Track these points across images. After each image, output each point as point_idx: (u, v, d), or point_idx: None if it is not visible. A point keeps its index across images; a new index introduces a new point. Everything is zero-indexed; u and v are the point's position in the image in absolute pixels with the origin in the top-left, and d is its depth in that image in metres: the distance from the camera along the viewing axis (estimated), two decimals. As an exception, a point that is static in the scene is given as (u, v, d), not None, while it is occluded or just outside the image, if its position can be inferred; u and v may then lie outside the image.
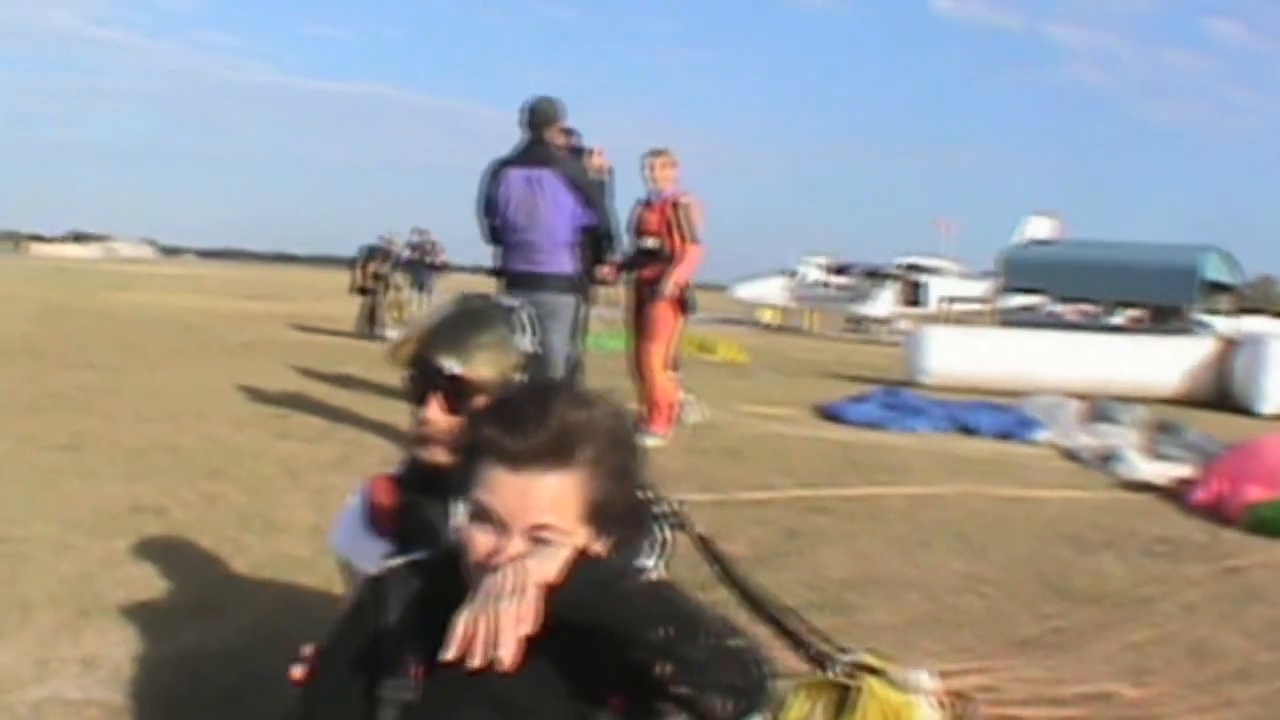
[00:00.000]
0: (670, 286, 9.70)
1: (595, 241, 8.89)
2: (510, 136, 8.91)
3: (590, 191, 8.76)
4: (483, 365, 2.85)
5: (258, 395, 11.32)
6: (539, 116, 8.72)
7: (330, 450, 8.45)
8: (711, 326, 32.21)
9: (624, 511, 2.08)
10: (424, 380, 2.88)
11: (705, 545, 2.98)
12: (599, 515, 2.00)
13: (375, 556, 2.77)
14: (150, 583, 5.04)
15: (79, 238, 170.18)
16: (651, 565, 2.47)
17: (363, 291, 23.97)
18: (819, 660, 3.00)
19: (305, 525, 6.02)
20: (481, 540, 1.95)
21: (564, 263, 8.67)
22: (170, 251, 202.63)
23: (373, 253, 24.40)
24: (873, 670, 3.04)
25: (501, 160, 8.77)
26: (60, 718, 3.65)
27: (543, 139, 8.71)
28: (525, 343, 2.96)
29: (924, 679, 3.08)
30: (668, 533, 2.67)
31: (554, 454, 1.95)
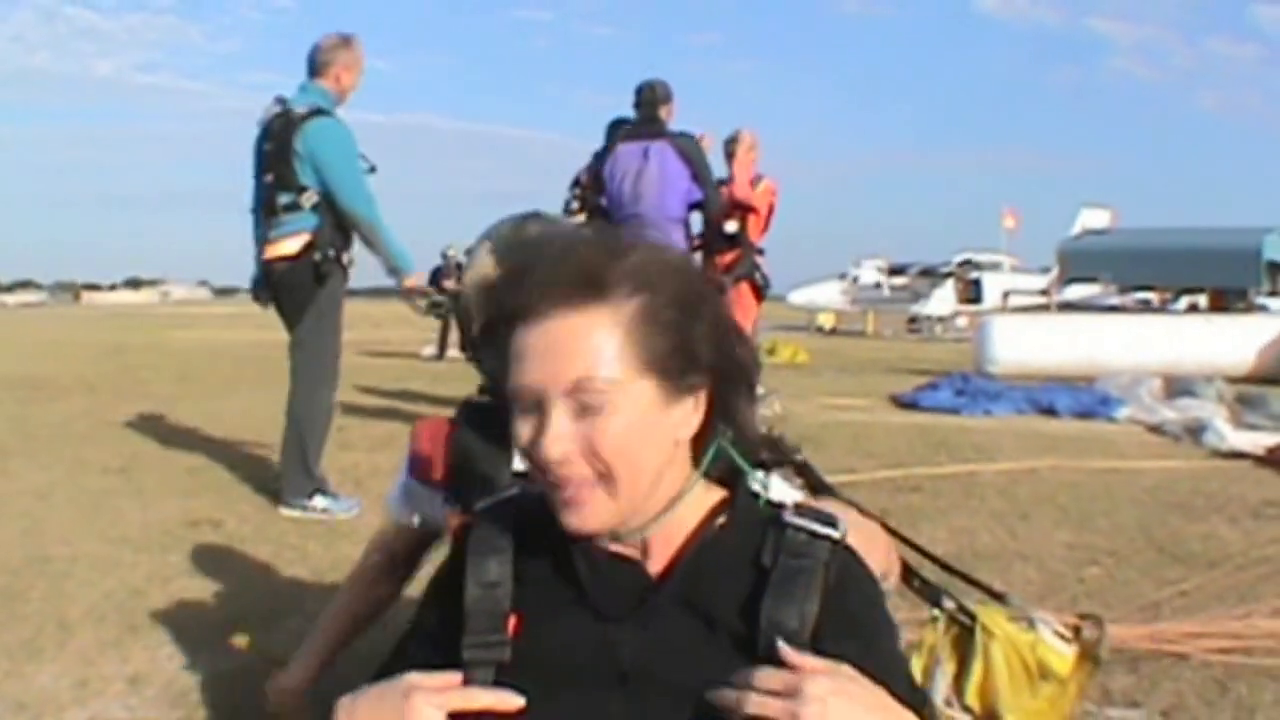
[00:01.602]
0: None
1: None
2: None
3: (702, 168, 8.42)
4: None
5: (318, 413, 11.09)
6: (653, 94, 8.51)
7: (393, 458, 8.11)
8: (770, 333, 31.94)
9: (711, 357, 1.57)
10: None
11: (804, 471, 2.59)
12: (669, 353, 1.53)
13: (427, 509, 2.62)
14: (206, 594, 4.79)
15: (134, 284, 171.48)
16: None
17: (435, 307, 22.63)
18: (932, 597, 2.68)
19: (370, 529, 5.73)
20: (521, 427, 1.55)
21: (676, 240, 8.17)
22: (224, 292, 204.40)
23: (439, 273, 23.21)
24: (996, 595, 2.89)
25: (612, 137, 8.60)
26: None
27: (656, 115, 8.49)
28: None
29: (1045, 614, 2.82)
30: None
31: (575, 289, 1.51)
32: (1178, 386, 12.12)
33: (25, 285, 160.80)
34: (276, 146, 6.54)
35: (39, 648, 4.11)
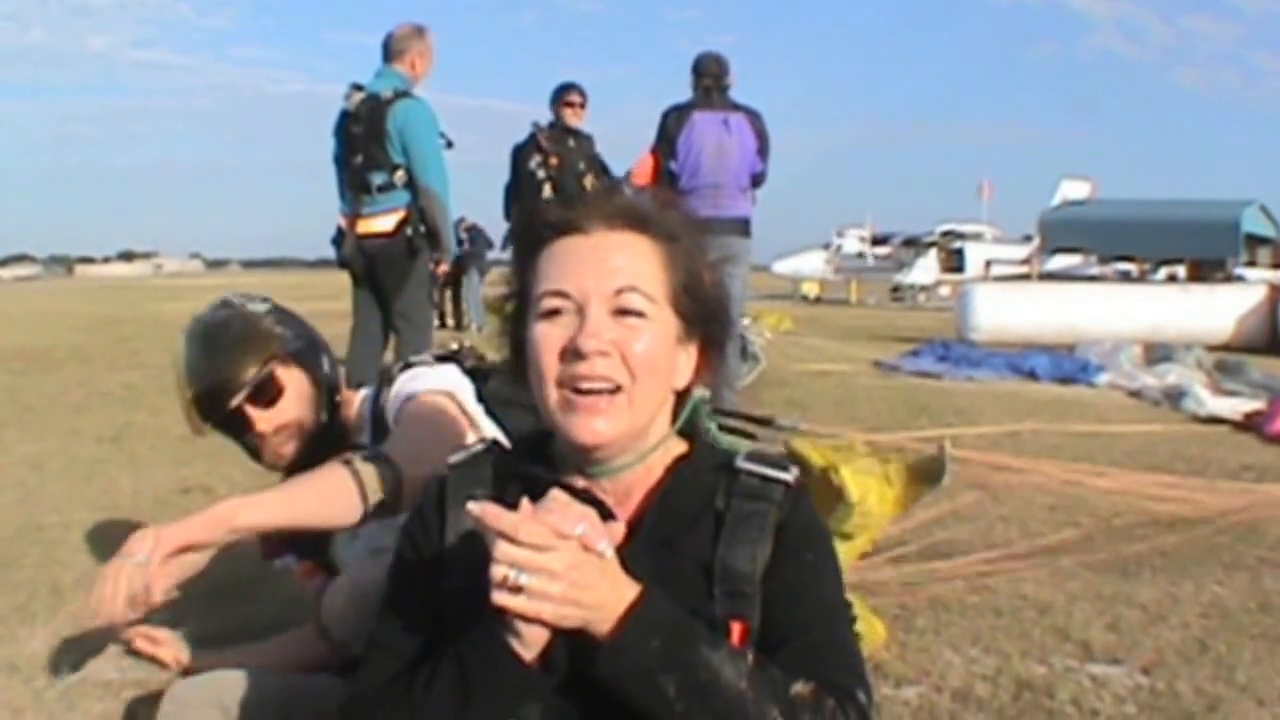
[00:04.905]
0: None
1: None
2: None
3: (766, 142, 8.81)
4: (250, 355, 2.70)
5: (309, 381, 11.12)
6: (719, 66, 8.81)
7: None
8: (755, 303, 31.86)
9: (710, 303, 1.76)
10: (226, 408, 2.69)
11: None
12: (686, 297, 1.71)
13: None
14: (197, 560, 4.78)
15: (127, 257, 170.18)
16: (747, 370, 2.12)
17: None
18: None
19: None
20: (550, 332, 1.64)
21: (744, 206, 8.70)
22: (216, 264, 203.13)
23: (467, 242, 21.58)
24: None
25: (681, 105, 8.78)
26: (93, 700, 3.45)
27: (724, 86, 8.78)
28: (262, 308, 2.88)
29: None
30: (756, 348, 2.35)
31: (623, 217, 1.71)
32: (1157, 354, 12.22)
33: (20, 259, 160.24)
34: (366, 129, 6.82)
35: (32, 613, 4.18)
